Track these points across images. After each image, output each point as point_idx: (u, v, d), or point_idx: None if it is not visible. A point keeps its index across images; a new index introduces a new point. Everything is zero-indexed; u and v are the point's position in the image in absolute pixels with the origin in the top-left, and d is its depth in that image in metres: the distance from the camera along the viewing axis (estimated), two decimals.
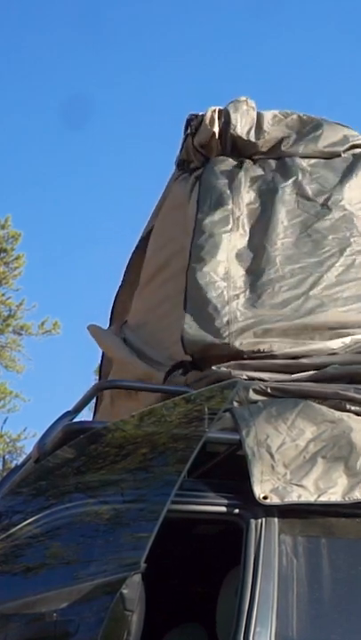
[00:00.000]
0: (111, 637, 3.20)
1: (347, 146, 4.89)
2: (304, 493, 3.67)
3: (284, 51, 35.88)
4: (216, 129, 4.68)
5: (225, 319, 4.19)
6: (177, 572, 4.72)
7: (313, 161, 4.76)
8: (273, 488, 3.66)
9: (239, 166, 4.66)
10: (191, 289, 4.32)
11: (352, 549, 3.70)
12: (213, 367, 4.14)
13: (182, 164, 4.82)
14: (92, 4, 34.21)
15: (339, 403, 3.99)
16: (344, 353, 4.22)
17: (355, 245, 4.48)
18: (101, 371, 5.39)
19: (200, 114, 4.74)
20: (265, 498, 3.64)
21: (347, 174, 4.73)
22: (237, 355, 4.13)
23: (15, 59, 33.38)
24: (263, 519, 3.64)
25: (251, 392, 4.02)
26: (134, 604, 3.23)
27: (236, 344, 4.13)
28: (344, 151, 4.86)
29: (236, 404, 3.98)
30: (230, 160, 4.70)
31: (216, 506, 3.71)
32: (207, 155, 4.73)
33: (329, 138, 4.85)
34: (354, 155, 4.86)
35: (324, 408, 3.96)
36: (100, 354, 5.32)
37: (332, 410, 3.97)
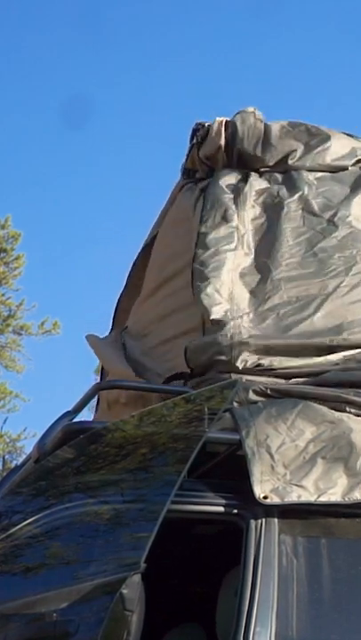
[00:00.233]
0: (111, 637, 3.20)
1: (355, 159, 4.83)
2: (304, 494, 3.67)
3: (284, 51, 35.91)
4: (222, 142, 4.62)
5: (228, 335, 4.17)
6: (177, 572, 4.72)
7: (320, 174, 4.70)
8: (273, 488, 3.66)
9: (245, 179, 4.60)
10: (196, 307, 4.31)
11: (352, 549, 3.71)
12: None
13: (188, 173, 4.77)
14: (92, 3, 34.24)
15: (338, 405, 3.99)
16: (345, 361, 4.20)
17: None
18: (103, 371, 5.39)
19: (206, 124, 4.68)
20: (265, 498, 3.64)
21: (354, 189, 4.68)
22: (238, 370, 4.12)
23: (15, 59, 33.40)
24: (263, 519, 3.65)
25: (250, 393, 4.03)
26: (134, 604, 3.23)
27: (238, 360, 4.12)
28: (352, 165, 4.80)
29: (235, 404, 3.99)
30: (236, 173, 4.63)
31: (216, 506, 3.71)
32: (213, 166, 4.68)
33: (337, 151, 4.79)
34: None
35: (323, 408, 3.96)
36: None
37: (332, 410, 3.98)
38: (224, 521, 3.84)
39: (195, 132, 4.71)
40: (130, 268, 5.27)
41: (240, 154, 4.63)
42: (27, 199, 31.25)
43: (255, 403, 4.01)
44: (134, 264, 5.23)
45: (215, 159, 4.66)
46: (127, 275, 5.28)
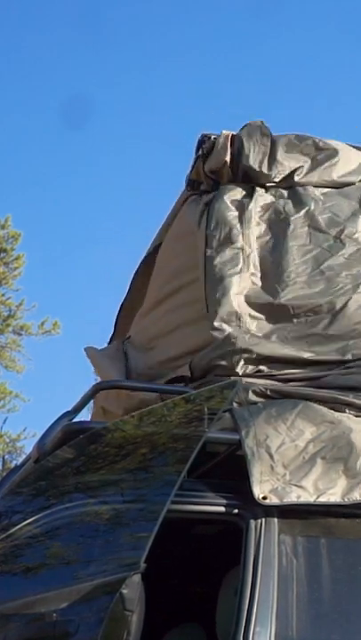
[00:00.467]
0: (111, 637, 3.20)
1: None
2: (303, 494, 3.67)
3: (284, 51, 35.85)
4: (228, 157, 4.55)
5: (231, 340, 4.16)
6: (177, 572, 4.73)
7: (326, 189, 4.64)
8: (272, 488, 3.66)
9: (250, 195, 4.54)
10: (201, 324, 4.31)
11: (352, 549, 3.71)
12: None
13: (192, 185, 4.71)
14: (92, 3, 34.21)
15: (337, 407, 4.00)
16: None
17: None
18: None
19: (212, 136, 4.61)
20: (264, 498, 3.64)
21: None
22: (238, 375, 4.11)
23: (15, 59, 33.38)
24: (263, 519, 3.65)
25: (250, 393, 4.03)
26: (134, 604, 3.23)
27: (239, 365, 4.10)
28: (359, 181, 4.73)
29: (235, 404, 3.99)
30: (241, 188, 4.57)
31: (216, 506, 3.71)
32: (218, 180, 4.62)
33: (344, 167, 4.72)
34: None
35: (323, 409, 3.96)
36: None
37: (332, 411, 3.98)
38: (224, 521, 3.84)
39: (200, 143, 4.64)
40: (132, 277, 5.23)
41: (245, 169, 4.55)
42: (27, 199, 31.26)
43: (255, 403, 4.01)
44: (136, 272, 5.20)
45: (220, 173, 4.59)
46: (129, 283, 5.25)
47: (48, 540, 3.63)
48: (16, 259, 21.94)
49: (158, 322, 4.74)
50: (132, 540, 3.42)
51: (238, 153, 4.55)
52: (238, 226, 4.40)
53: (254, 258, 4.34)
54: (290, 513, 3.67)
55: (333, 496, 3.69)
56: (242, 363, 4.11)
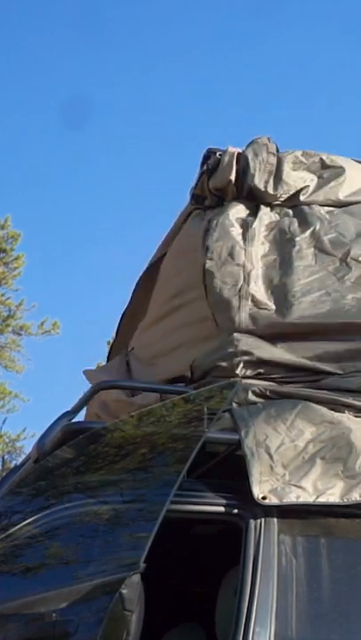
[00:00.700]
0: (110, 637, 3.20)
1: None
2: (303, 494, 3.68)
3: (284, 51, 35.82)
4: (233, 176, 4.48)
5: (233, 343, 4.15)
6: (176, 572, 4.73)
7: (332, 208, 4.59)
8: (272, 488, 3.66)
9: (255, 213, 4.49)
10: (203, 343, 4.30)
11: (351, 549, 3.71)
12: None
13: (196, 199, 4.65)
14: (92, 3, 34.19)
15: (337, 408, 4.00)
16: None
17: None
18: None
19: (218, 153, 4.54)
20: (264, 498, 3.64)
21: None
22: (237, 376, 4.10)
23: (15, 59, 33.38)
24: (262, 519, 3.65)
25: (250, 393, 4.03)
26: (133, 604, 3.23)
27: (239, 367, 4.10)
28: None
29: (235, 405, 3.99)
30: (245, 206, 4.51)
31: (215, 506, 3.71)
32: (222, 197, 4.56)
33: (350, 186, 4.66)
34: None
35: (323, 409, 3.96)
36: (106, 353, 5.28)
37: (332, 411, 3.98)
38: (224, 521, 3.84)
39: (205, 158, 4.58)
40: (134, 286, 5.22)
41: (250, 188, 4.49)
42: (26, 199, 31.26)
43: (254, 403, 4.01)
44: (139, 282, 5.18)
45: (225, 191, 4.53)
46: (132, 292, 5.23)
47: (48, 540, 3.63)
48: (16, 259, 21.94)
49: (160, 339, 4.71)
50: (132, 540, 3.42)
51: (244, 172, 4.48)
52: (242, 242, 4.35)
53: (256, 276, 4.28)
54: (289, 513, 3.67)
55: (333, 496, 3.70)
56: (241, 365, 4.10)
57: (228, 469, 3.81)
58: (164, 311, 4.73)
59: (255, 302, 4.22)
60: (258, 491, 3.65)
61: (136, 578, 3.23)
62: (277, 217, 4.52)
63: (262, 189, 4.48)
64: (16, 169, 32.18)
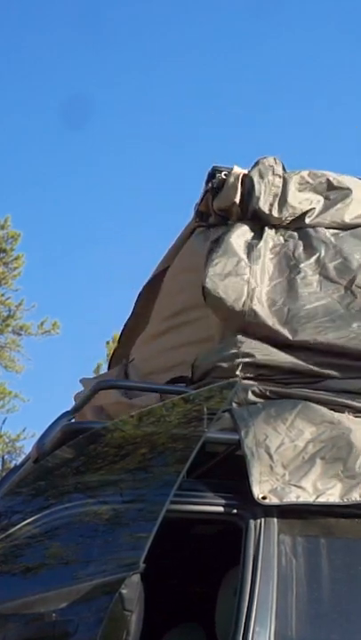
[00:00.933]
0: (110, 637, 3.20)
1: None
2: (303, 494, 3.68)
3: (284, 51, 35.80)
4: (237, 198, 4.42)
5: (237, 348, 4.15)
6: (176, 572, 4.73)
7: (338, 231, 4.53)
8: (272, 488, 3.66)
9: (259, 235, 4.43)
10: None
11: (351, 549, 3.71)
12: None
13: (201, 216, 4.60)
14: (92, 3, 34.19)
15: (337, 408, 4.00)
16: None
17: None
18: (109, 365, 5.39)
19: (223, 172, 4.46)
20: (264, 498, 3.64)
21: None
22: (237, 377, 4.09)
23: (15, 59, 33.38)
24: (262, 519, 3.65)
25: (250, 394, 4.03)
26: (133, 604, 3.23)
27: (239, 368, 4.09)
28: None
29: (235, 405, 3.99)
30: (250, 227, 4.44)
31: (215, 506, 3.71)
32: (227, 217, 4.51)
33: (357, 208, 4.59)
34: None
35: (323, 409, 3.96)
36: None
37: (331, 411, 3.98)
38: (223, 521, 3.84)
39: (210, 177, 4.51)
40: (137, 296, 5.21)
41: (255, 211, 4.43)
42: (26, 199, 31.28)
43: (254, 404, 4.01)
44: (141, 293, 5.16)
45: (229, 212, 4.48)
46: (134, 302, 5.22)
47: (47, 540, 3.63)
48: (15, 259, 21.96)
49: (159, 355, 4.69)
50: (132, 539, 3.42)
51: (249, 194, 4.42)
52: (246, 260, 4.31)
53: (260, 294, 4.23)
54: (289, 513, 3.67)
55: (332, 496, 3.70)
56: (242, 366, 4.09)
57: (227, 469, 3.81)
58: (164, 327, 4.71)
59: (257, 319, 4.18)
60: (258, 491, 3.65)
61: (136, 578, 3.22)
62: (282, 240, 4.46)
63: (267, 212, 4.42)
64: (16, 169, 32.21)
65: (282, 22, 35.29)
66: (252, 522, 3.64)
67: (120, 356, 5.26)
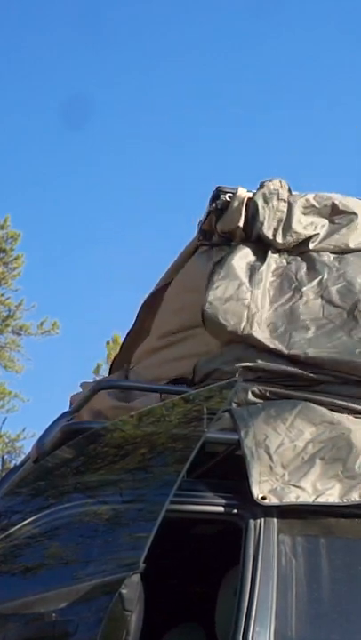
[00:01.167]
0: (110, 637, 3.20)
1: None
2: (302, 494, 3.68)
3: (284, 51, 35.80)
4: (241, 222, 4.37)
5: (237, 353, 4.15)
6: (176, 572, 4.73)
7: (341, 255, 4.49)
8: (271, 489, 3.66)
9: (263, 258, 4.38)
10: None
11: (351, 549, 3.71)
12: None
13: (204, 235, 4.53)
14: (92, 3, 34.20)
15: (337, 409, 3.99)
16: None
17: None
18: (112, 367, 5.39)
19: (227, 194, 4.41)
20: (263, 498, 3.64)
21: None
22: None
23: (15, 59, 33.40)
24: (262, 519, 3.65)
25: (249, 394, 4.03)
26: (133, 603, 3.23)
27: (239, 372, 4.08)
28: None
29: (235, 405, 3.99)
30: (253, 250, 4.40)
31: (215, 506, 3.71)
32: (230, 238, 4.45)
33: None
34: None
35: (323, 409, 3.96)
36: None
37: (331, 411, 3.98)
38: (223, 521, 3.84)
39: (214, 197, 4.45)
40: (139, 308, 5.20)
41: (259, 235, 4.38)
42: (26, 199, 31.30)
43: (254, 404, 4.01)
44: (143, 306, 5.15)
45: (233, 234, 4.43)
46: (137, 313, 5.23)
47: (47, 540, 3.63)
48: (15, 259, 21.97)
49: (160, 366, 4.67)
50: (132, 539, 3.42)
51: (253, 218, 4.37)
52: (248, 284, 4.26)
53: (260, 319, 4.20)
54: (289, 513, 3.67)
55: (332, 497, 3.70)
56: (242, 370, 4.09)
57: (227, 469, 3.81)
58: (164, 343, 4.68)
59: (257, 345, 4.15)
60: (257, 491, 3.65)
61: (136, 578, 3.22)
62: (285, 263, 4.42)
63: (271, 238, 4.37)
64: (16, 169, 32.23)
65: (282, 22, 35.32)
66: (251, 522, 3.64)
67: (121, 361, 5.26)
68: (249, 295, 4.22)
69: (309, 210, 4.47)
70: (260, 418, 3.87)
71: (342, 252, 4.46)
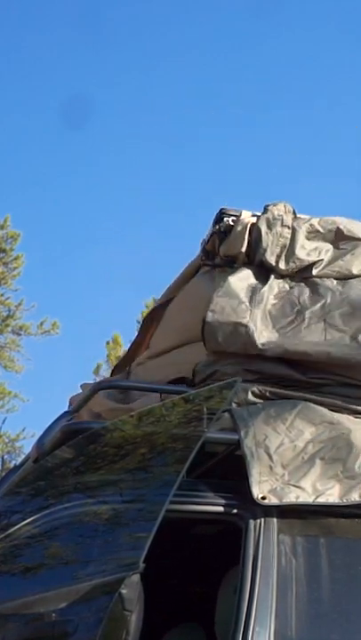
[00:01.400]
0: (110, 637, 3.20)
1: None
2: (302, 494, 3.68)
3: (284, 51, 35.77)
4: (244, 247, 4.33)
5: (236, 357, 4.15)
6: (176, 572, 4.73)
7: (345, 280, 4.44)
8: (271, 489, 3.67)
9: (265, 280, 4.34)
10: None
11: (351, 549, 3.71)
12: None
13: (207, 255, 4.49)
14: (92, 3, 34.19)
15: (337, 410, 4.00)
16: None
17: None
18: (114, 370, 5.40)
19: (231, 218, 4.38)
20: (263, 498, 3.64)
21: None
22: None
23: (15, 59, 33.41)
24: (262, 519, 3.65)
25: (249, 394, 4.03)
26: (133, 603, 3.23)
27: (239, 374, 4.08)
28: None
29: (234, 405, 3.99)
30: (256, 272, 4.36)
31: (215, 506, 3.71)
32: (233, 261, 4.41)
33: None
34: None
35: (323, 409, 3.97)
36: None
37: (331, 411, 3.98)
38: (223, 521, 3.84)
39: (217, 220, 4.42)
40: (142, 321, 5.21)
41: (261, 260, 4.34)
42: (26, 199, 31.32)
43: (254, 404, 4.01)
44: (146, 319, 5.15)
45: (236, 258, 4.39)
46: (139, 328, 5.24)
47: (47, 540, 3.63)
48: (15, 259, 21.99)
49: (158, 370, 4.66)
50: (132, 539, 3.42)
51: (256, 243, 4.33)
52: (248, 303, 4.23)
53: (260, 339, 4.16)
54: (289, 513, 3.67)
55: (332, 497, 3.70)
56: (242, 372, 4.09)
57: (227, 469, 3.81)
58: (163, 360, 4.69)
59: (257, 366, 4.14)
60: (257, 491, 3.65)
61: (136, 578, 3.22)
62: (288, 287, 4.38)
63: (273, 264, 4.34)
64: (16, 169, 32.24)
65: (282, 22, 35.30)
66: (251, 522, 3.64)
67: (122, 368, 5.27)
68: (248, 314, 4.19)
69: (314, 235, 4.42)
70: (260, 418, 3.87)
71: (346, 277, 4.41)
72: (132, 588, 3.21)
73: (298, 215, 4.45)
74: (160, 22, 34.99)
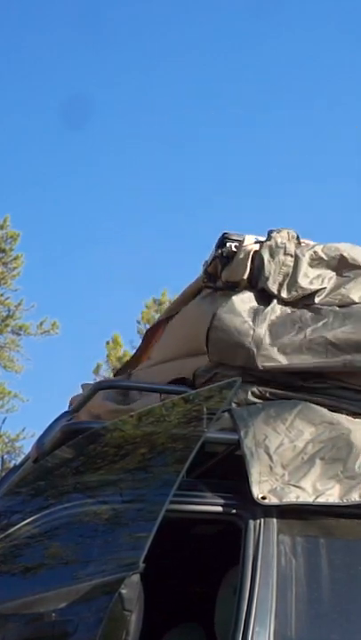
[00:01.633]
0: (110, 637, 3.20)
1: None
2: (302, 494, 3.68)
3: (284, 51, 35.76)
4: (246, 275, 4.30)
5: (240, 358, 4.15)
6: (176, 572, 4.73)
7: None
8: (271, 488, 3.67)
9: (266, 303, 4.31)
10: None
11: (351, 550, 3.71)
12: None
13: (209, 277, 4.46)
14: (92, 3, 34.20)
15: (337, 410, 4.00)
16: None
17: None
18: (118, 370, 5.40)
19: (234, 243, 4.33)
20: (263, 498, 3.65)
21: None
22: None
23: (15, 59, 33.42)
24: (262, 519, 3.65)
25: (249, 394, 4.03)
26: (133, 603, 3.23)
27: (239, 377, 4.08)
28: None
29: (234, 405, 3.99)
30: (256, 297, 4.32)
31: (215, 506, 3.72)
32: (235, 286, 4.37)
33: None
34: None
35: (323, 410, 3.97)
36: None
37: (331, 412, 3.98)
38: (223, 521, 3.84)
39: (220, 244, 4.38)
40: (144, 334, 5.22)
41: (263, 288, 4.30)
42: (26, 199, 31.34)
43: (254, 404, 4.01)
44: (147, 334, 5.17)
45: (238, 284, 4.35)
46: (141, 340, 5.25)
47: (47, 540, 3.63)
48: (15, 259, 21.99)
49: (158, 375, 4.66)
50: (131, 539, 3.42)
51: (258, 271, 4.29)
52: (251, 322, 4.21)
53: (260, 361, 4.13)
54: (289, 513, 3.67)
55: (332, 497, 3.70)
56: (242, 374, 4.09)
57: (227, 469, 3.82)
58: (172, 375, 4.69)
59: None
60: (257, 491, 3.65)
61: (136, 578, 3.22)
62: (288, 311, 4.34)
63: (275, 292, 4.30)
64: (16, 169, 32.26)
65: (282, 22, 35.29)
66: (251, 522, 3.64)
67: (124, 372, 5.28)
68: (252, 333, 4.17)
69: (317, 262, 4.37)
70: (260, 418, 3.87)
71: (347, 305, 4.36)
72: (131, 588, 3.21)
73: (302, 240, 4.41)
74: (160, 22, 35.01)
